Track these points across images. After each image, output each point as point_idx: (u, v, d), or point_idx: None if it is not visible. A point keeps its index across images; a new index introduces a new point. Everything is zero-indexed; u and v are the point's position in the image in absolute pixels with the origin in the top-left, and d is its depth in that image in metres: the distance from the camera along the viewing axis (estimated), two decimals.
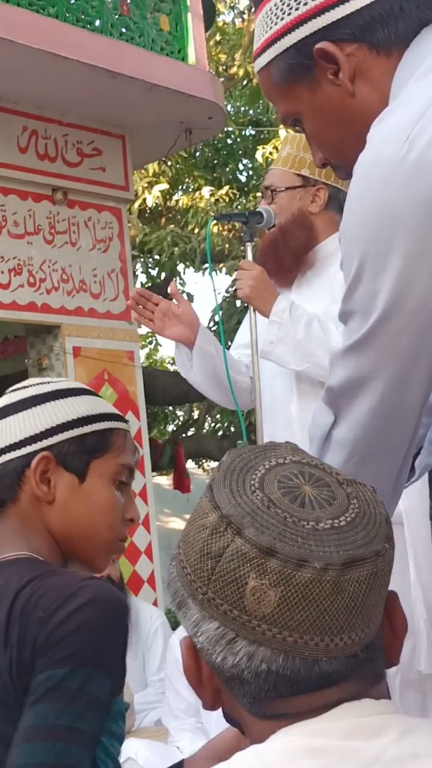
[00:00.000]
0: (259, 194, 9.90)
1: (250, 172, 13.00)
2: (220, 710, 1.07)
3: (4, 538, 1.53)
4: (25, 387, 1.60)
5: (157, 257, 10.37)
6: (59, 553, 1.56)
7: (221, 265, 9.79)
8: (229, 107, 11.58)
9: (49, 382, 1.61)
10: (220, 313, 4.76)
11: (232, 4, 12.57)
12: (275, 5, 1.42)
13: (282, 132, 9.55)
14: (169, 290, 3.25)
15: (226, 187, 10.55)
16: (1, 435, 1.55)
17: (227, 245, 9.71)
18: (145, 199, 10.15)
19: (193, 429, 13.25)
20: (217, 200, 10.17)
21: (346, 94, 1.39)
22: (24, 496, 1.54)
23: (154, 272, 11.74)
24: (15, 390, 1.60)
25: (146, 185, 10.29)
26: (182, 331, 3.12)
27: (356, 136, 1.35)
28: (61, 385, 1.61)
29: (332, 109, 1.42)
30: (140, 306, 3.15)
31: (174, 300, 3.16)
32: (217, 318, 9.82)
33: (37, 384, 1.61)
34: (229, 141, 12.59)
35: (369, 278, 1.25)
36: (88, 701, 1.33)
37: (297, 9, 1.39)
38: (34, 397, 1.57)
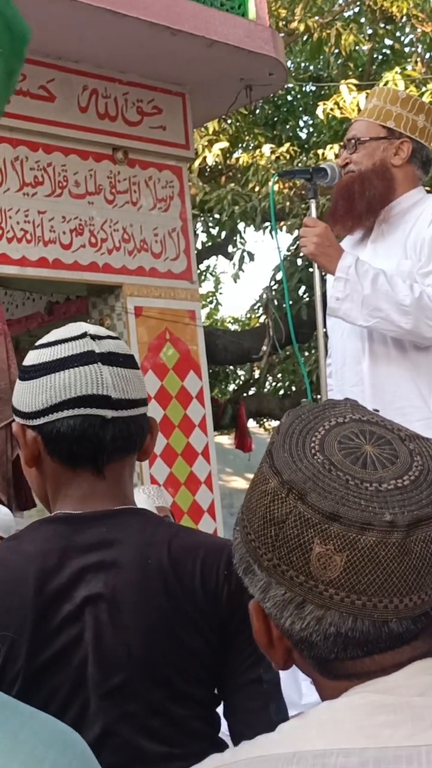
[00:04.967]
0: (320, 151, 9.84)
1: (311, 129, 12.87)
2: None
3: (126, 484, 1.53)
4: (114, 338, 1.55)
5: (217, 216, 10.32)
6: None
7: (282, 223, 9.72)
8: (289, 63, 11.44)
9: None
10: (284, 271, 4.73)
11: None
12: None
13: (343, 87, 9.41)
14: None
15: (287, 145, 10.44)
16: (140, 386, 1.53)
17: (288, 203, 9.64)
18: (205, 158, 10.09)
19: (254, 388, 13.26)
20: (277, 158, 10.08)
21: None
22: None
23: (214, 231, 11.70)
24: (110, 337, 1.55)
25: (206, 143, 10.23)
26: None
27: None
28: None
29: None
30: None
31: None
32: (279, 276, 9.77)
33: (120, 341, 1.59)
34: (289, 98, 12.45)
35: None
36: None
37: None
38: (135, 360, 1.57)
